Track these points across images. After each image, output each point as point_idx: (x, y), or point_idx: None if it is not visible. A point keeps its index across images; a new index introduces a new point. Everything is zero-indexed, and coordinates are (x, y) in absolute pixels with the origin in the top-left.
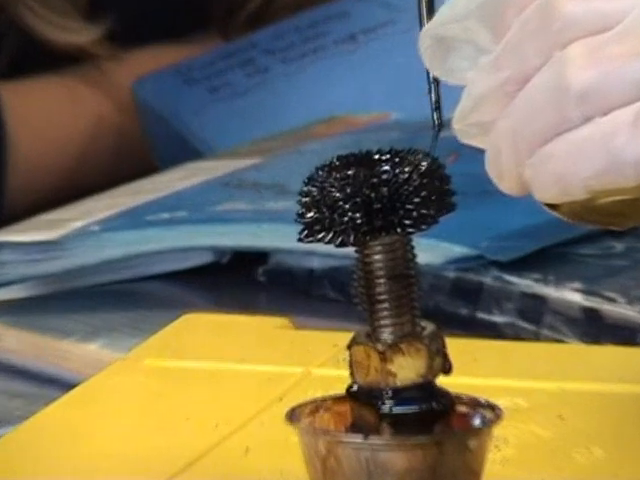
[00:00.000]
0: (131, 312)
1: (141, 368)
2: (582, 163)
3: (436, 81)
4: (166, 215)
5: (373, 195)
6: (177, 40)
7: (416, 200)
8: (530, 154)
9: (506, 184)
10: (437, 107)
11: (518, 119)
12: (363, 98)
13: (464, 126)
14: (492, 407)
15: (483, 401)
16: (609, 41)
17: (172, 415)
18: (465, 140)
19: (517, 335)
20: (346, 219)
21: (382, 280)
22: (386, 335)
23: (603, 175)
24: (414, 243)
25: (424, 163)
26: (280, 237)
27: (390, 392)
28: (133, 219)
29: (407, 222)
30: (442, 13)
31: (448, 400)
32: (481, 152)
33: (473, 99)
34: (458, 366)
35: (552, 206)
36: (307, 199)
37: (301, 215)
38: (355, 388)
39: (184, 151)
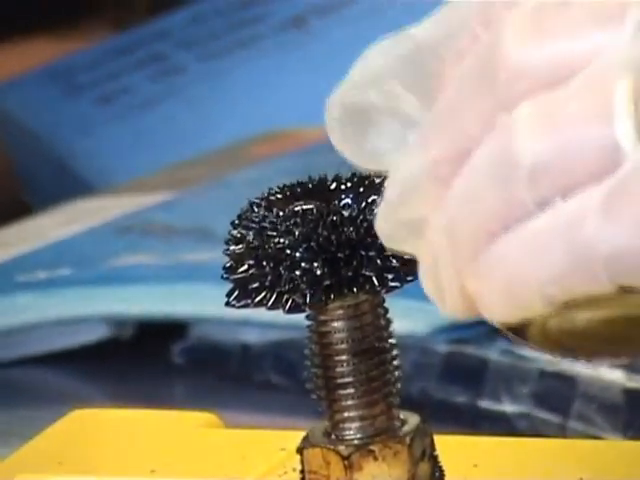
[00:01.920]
0: None
1: None
2: (538, 263)
3: None
4: (43, 274)
5: (333, 238)
6: (53, 31)
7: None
8: (473, 258)
9: (449, 303)
10: None
11: (456, 213)
12: (312, 106)
13: (390, 226)
14: None
15: None
16: (567, 98)
17: None
18: (393, 247)
19: (535, 430)
20: (298, 273)
21: (345, 356)
22: (352, 432)
23: (566, 277)
24: (389, 305)
25: None
26: (202, 302)
27: None
28: None
29: (380, 276)
30: (352, 74)
31: None
32: None
33: (398, 188)
34: (454, 474)
35: (517, 331)
36: (239, 247)
37: (231, 270)
38: None
39: (66, 184)
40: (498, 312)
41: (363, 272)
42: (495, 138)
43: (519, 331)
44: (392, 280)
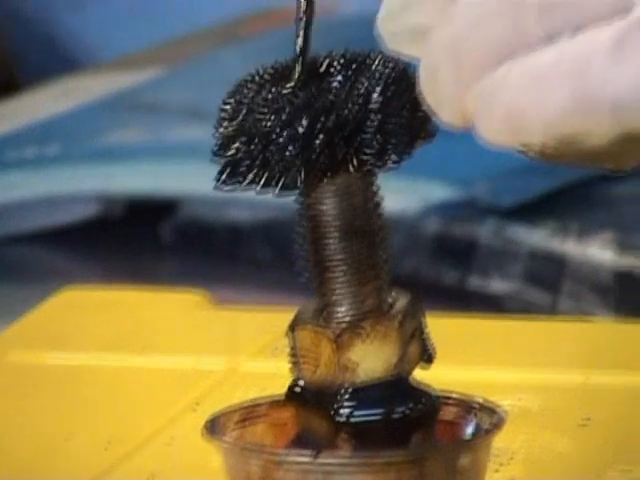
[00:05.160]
0: None
1: (4, 364)
2: (543, 98)
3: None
4: (33, 151)
5: (322, 119)
6: None
7: (382, 125)
8: (475, 78)
9: (445, 114)
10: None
11: (461, 29)
12: None
13: (392, 29)
14: (491, 410)
15: (478, 402)
16: None
17: (47, 432)
18: (393, 47)
19: (525, 309)
20: (287, 153)
21: (335, 236)
22: (342, 313)
23: (570, 117)
24: (380, 184)
25: (391, 72)
26: (191, 180)
27: (349, 392)
28: None
29: (369, 155)
30: None
31: (430, 401)
32: None
33: None
34: (444, 354)
35: None
36: (228, 126)
37: (220, 148)
38: (300, 387)
39: (56, 60)
40: (495, 136)
41: (349, 152)
42: None
43: None
44: (375, 161)
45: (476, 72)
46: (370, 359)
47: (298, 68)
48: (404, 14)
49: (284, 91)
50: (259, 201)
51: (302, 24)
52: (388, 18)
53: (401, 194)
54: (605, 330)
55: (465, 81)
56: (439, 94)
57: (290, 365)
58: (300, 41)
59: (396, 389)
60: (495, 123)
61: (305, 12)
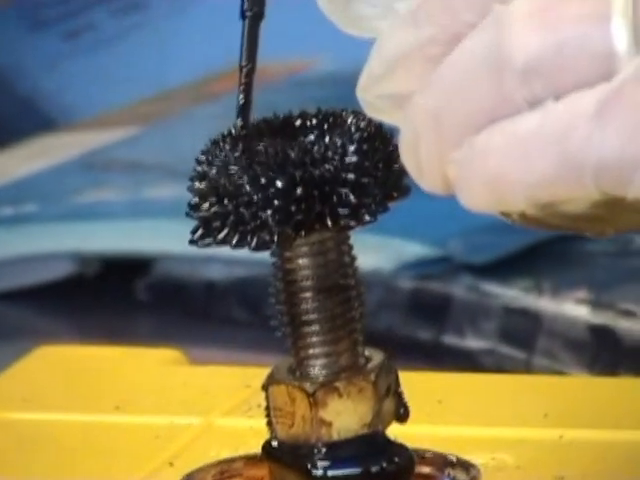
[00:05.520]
0: None
1: None
2: (525, 163)
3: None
4: (8, 210)
5: (297, 176)
6: None
7: (357, 181)
8: (457, 144)
9: (427, 180)
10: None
11: (442, 95)
12: (276, 42)
13: (373, 95)
14: (466, 466)
15: (453, 458)
16: None
17: None
18: (374, 114)
19: (500, 366)
20: (262, 212)
21: (310, 293)
22: (317, 370)
23: (553, 183)
24: (354, 242)
25: (365, 128)
26: (166, 238)
27: (324, 449)
28: None
29: (344, 212)
30: None
31: (405, 458)
32: None
33: (384, 61)
34: (418, 411)
35: None
36: (202, 184)
37: (194, 206)
38: (275, 444)
39: (31, 120)
40: (477, 202)
41: (324, 210)
42: (489, 28)
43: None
44: (350, 218)
45: (457, 138)
46: (346, 415)
47: (239, 124)
48: (384, 81)
49: (257, 148)
50: (234, 258)
51: (242, 86)
52: (369, 85)
53: (376, 251)
54: (580, 386)
55: (446, 147)
56: (420, 161)
57: (266, 422)
58: (241, 97)
59: (372, 445)
60: (476, 189)
61: (244, 74)
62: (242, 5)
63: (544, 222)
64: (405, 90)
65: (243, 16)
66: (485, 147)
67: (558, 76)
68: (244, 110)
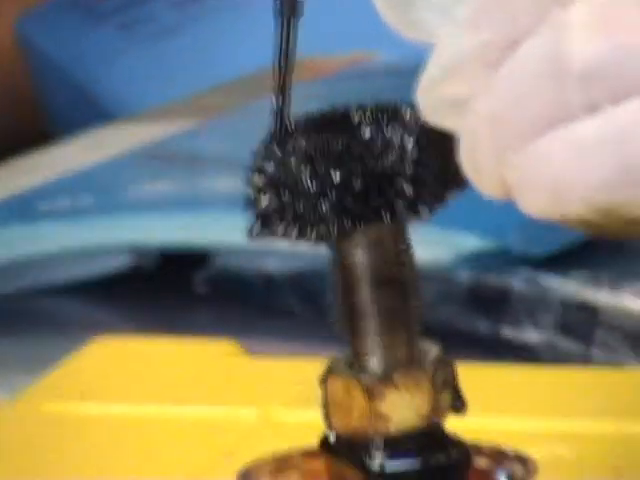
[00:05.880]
0: (22, 338)
1: (36, 415)
2: (585, 168)
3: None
4: (66, 202)
5: (356, 169)
6: None
7: (415, 174)
8: (516, 150)
9: (485, 184)
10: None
11: (501, 101)
12: (335, 35)
13: (431, 100)
14: (523, 460)
15: (511, 452)
16: (627, 2)
17: None
18: (433, 119)
19: (558, 358)
20: (320, 205)
21: (367, 286)
22: (374, 363)
23: (612, 187)
24: (412, 234)
25: (423, 122)
26: (225, 231)
27: (381, 442)
28: (20, 209)
29: (402, 206)
30: None
31: (462, 451)
32: None
33: (443, 66)
34: (476, 403)
35: None
36: (260, 178)
37: (252, 200)
38: (332, 438)
39: (89, 112)
40: (537, 207)
41: (382, 203)
42: (548, 33)
43: None
44: (409, 211)
45: (516, 143)
46: (402, 409)
47: (276, 125)
48: (443, 85)
49: (316, 141)
50: (292, 251)
51: (279, 82)
52: (428, 89)
53: (433, 244)
54: (638, 379)
55: (505, 152)
56: (479, 165)
57: (322, 415)
58: (278, 96)
59: (429, 438)
60: (536, 194)
61: (280, 73)
62: (277, 2)
63: (605, 228)
64: (464, 95)
65: (279, 13)
66: (544, 152)
67: (617, 82)
68: (282, 110)
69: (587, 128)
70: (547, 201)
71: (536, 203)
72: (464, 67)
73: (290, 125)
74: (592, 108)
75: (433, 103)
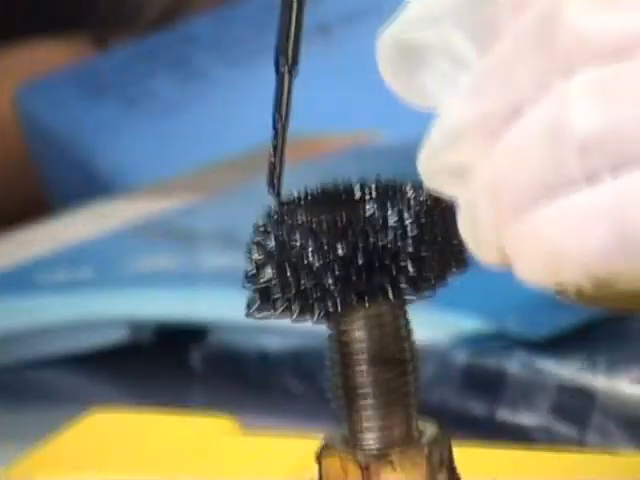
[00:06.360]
0: (18, 409)
1: None
2: (583, 238)
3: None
4: (64, 274)
5: (360, 245)
6: (67, 34)
7: (417, 253)
8: (515, 218)
9: (484, 253)
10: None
11: (501, 170)
12: (336, 113)
13: (433, 167)
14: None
15: None
16: (628, 72)
17: None
18: (433, 186)
19: (553, 442)
20: (326, 283)
21: (366, 366)
22: (371, 441)
23: (610, 257)
24: (410, 315)
25: (425, 200)
26: (222, 307)
27: None
28: (19, 280)
29: (403, 285)
30: (408, 12)
31: None
32: None
33: (446, 134)
34: None
35: None
36: (261, 253)
37: (252, 276)
38: None
39: (89, 185)
40: (533, 276)
41: (383, 282)
42: (549, 103)
43: None
44: (409, 291)
45: (514, 211)
46: None
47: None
48: (445, 153)
49: (319, 217)
50: (289, 328)
51: (275, 145)
52: (429, 156)
53: (431, 324)
54: (634, 465)
55: (503, 220)
56: (478, 233)
57: None
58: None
59: None
60: (533, 262)
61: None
62: (276, 60)
63: (601, 301)
64: (464, 163)
65: (277, 71)
66: (542, 220)
67: (616, 153)
68: (276, 171)
69: (585, 198)
70: (544, 269)
71: (533, 271)
72: (465, 136)
73: (292, 200)
74: (592, 178)
75: (434, 170)
